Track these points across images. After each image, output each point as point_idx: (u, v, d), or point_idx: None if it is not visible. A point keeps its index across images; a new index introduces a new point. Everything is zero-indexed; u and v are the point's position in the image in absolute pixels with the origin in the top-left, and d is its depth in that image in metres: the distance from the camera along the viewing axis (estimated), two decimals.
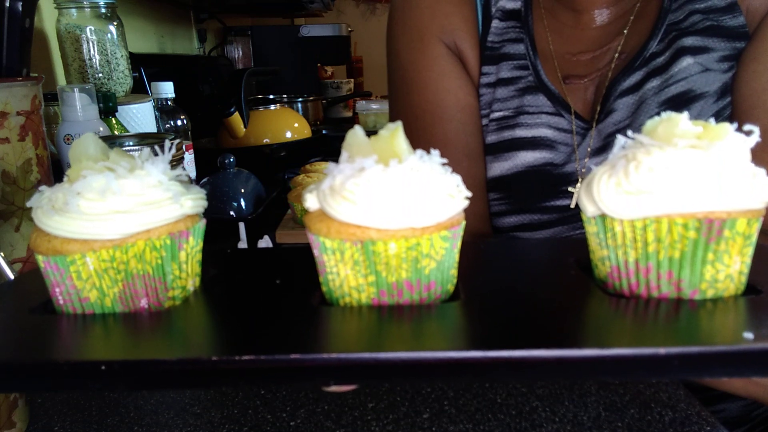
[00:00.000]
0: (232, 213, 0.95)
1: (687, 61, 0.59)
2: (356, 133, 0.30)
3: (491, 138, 0.66)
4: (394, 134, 0.29)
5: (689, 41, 0.59)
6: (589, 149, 0.62)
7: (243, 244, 0.82)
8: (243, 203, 0.96)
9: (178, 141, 0.35)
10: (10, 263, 0.43)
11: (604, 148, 0.62)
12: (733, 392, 0.54)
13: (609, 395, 0.49)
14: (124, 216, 0.29)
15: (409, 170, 0.29)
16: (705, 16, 0.60)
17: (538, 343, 0.26)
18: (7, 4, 0.52)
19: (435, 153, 0.30)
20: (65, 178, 0.31)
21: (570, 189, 0.62)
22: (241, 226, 0.84)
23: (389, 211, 0.28)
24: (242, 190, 0.97)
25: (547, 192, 0.63)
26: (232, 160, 0.98)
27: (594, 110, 0.63)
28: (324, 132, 1.61)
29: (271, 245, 0.83)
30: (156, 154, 0.32)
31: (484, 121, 0.66)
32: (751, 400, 0.61)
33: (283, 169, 1.28)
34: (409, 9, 0.69)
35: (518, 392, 0.50)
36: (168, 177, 0.31)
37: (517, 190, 0.64)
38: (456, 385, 0.52)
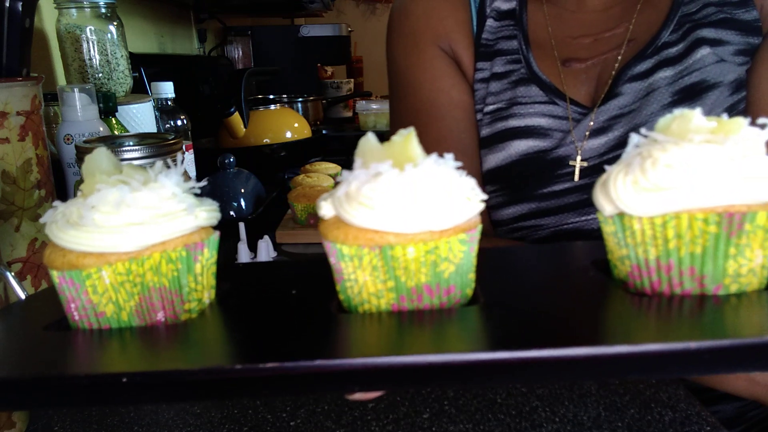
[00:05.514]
0: (232, 213, 0.95)
1: (703, 52, 0.60)
2: (369, 140, 0.30)
3: (485, 131, 0.67)
4: (408, 139, 0.29)
5: (705, 32, 0.60)
6: (587, 132, 0.62)
7: (243, 244, 0.82)
8: (243, 203, 0.96)
9: (187, 144, 0.35)
10: (8, 265, 0.43)
11: (604, 129, 0.62)
12: (736, 393, 0.54)
13: (609, 395, 0.49)
14: (139, 228, 0.29)
15: (425, 174, 0.29)
16: (719, 8, 0.61)
17: (567, 341, 0.25)
18: (7, 4, 0.52)
19: (449, 157, 0.30)
20: (78, 193, 0.31)
21: (571, 162, 0.62)
22: (241, 226, 0.84)
23: (407, 215, 0.28)
24: (242, 190, 0.97)
25: (542, 178, 0.64)
26: (232, 160, 0.98)
27: (597, 93, 0.64)
28: (324, 132, 1.61)
29: (270, 245, 0.83)
30: (168, 167, 0.32)
31: (479, 116, 0.67)
32: (750, 400, 0.61)
33: (283, 169, 1.28)
34: (405, 17, 0.71)
35: (518, 392, 0.50)
36: (182, 189, 0.31)
37: (512, 179, 0.65)
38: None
